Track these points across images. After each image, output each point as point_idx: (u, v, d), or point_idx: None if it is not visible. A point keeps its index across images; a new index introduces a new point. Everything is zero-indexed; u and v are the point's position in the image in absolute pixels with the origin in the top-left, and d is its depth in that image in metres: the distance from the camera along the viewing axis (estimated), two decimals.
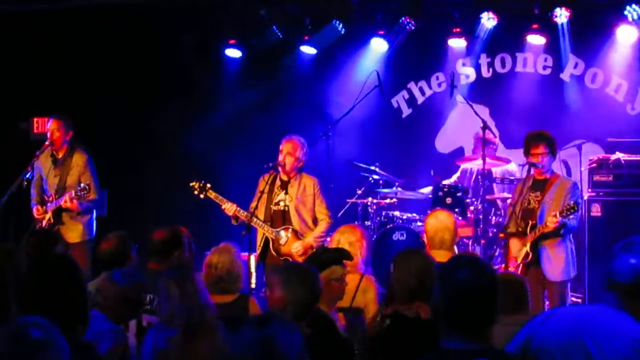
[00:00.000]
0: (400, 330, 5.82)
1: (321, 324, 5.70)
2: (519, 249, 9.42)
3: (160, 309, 5.77)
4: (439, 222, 8.04)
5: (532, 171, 9.52)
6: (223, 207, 10.30)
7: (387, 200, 11.88)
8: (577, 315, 4.66)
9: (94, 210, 11.07)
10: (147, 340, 5.68)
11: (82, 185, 10.50)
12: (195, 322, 5.43)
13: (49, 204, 10.82)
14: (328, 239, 10.14)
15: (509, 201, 10.65)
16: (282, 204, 10.32)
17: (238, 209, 10.20)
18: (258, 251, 10.30)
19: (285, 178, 10.33)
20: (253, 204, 10.16)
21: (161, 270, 6.77)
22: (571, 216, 9.09)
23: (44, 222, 10.80)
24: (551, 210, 9.17)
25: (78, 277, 4.48)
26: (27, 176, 10.66)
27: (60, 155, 10.96)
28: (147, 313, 6.85)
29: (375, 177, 11.81)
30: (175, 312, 5.58)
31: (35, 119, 14.15)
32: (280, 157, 10.22)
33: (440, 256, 7.62)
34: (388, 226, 11.57)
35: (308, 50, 13.25)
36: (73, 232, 10.65)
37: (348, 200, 11.91)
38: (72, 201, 10.55)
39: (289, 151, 10.22)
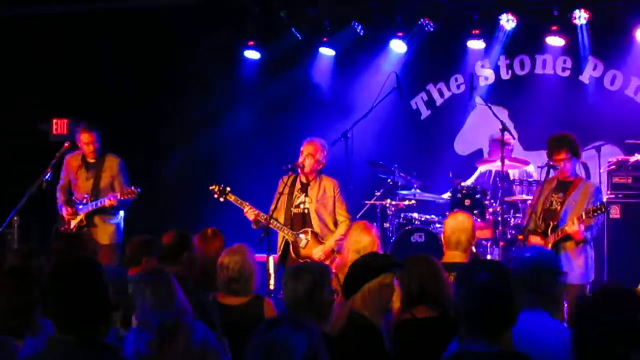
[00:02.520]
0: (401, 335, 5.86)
1: (366, 331, 5.65)
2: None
3: (137, 312, 5.75)
4: (457, 223, 8.05)
5: (552, 173, 9.54)
6: (244, 210, 10.33)
7: (406, 202, 11.85)
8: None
9: (123, 214, 11.21)
10: (128, 343, 5.71)
11: (132, 188, 10.70)
12: (168, 327, 5.44)
13: (81, 207, 10.95)
14: None
15: (528, 202, 10.66)
16: (302, 206, 10.35)
17: (258, 212, 10.22)
18: (278, 253, 10.34)
19: (305, 180, 10.36)
20: (273, 206, 10.19)
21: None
22: (592, 221, 9.11)
23: (73, 223, 10.93)
24: (574, 213, 9.20)
25: (102, 279, 4.50)
26: (47, 177, 10.68)
27: (92, 159, 11.10)
28: None
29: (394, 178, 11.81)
30: (150, 317, 5.59)
31: (54, 120, 14.19)
32: (301, 159, 10.25)
33: (456, 257, 7.70)
34: (407, 228, 11.56)
35: (327, 51, 13.27)
36: (104, 235, 10.86)
37: (367, 201, 11.90)
38: (112, 201, 10.79)
39: (310, 153, 10.25)
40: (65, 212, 11.01)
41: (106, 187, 10.96)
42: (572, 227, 9.09)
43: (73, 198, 11.10)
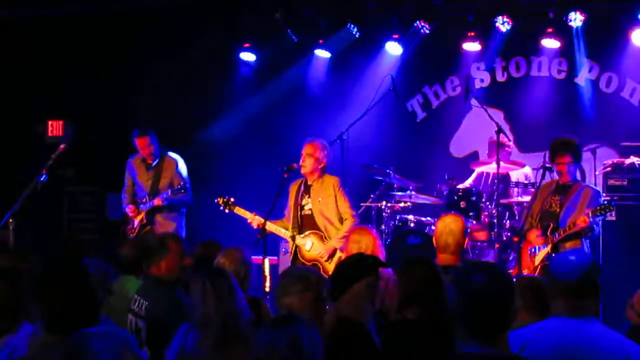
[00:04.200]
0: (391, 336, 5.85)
1: (355, 334, 5.65)
2: (536, 240, 9.43)
3: (193, 311, 5.70)
4: (444, 225, 8.06)
5: (548, 175, 9.56)
6: (249, 221, 10.37)
7: (402, 204, 11.86)
8: (571, 329, 4.68)
9: (185, 212, 11.55)
10: (176, 339, 5.68)
11: (181, 184, 11.00)
12: (229, 329, 5.39)
13: (142, 205, 11.38)
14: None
15: (524, 204, 10.67)
16: (307, 207, 10.41)
17: (263, 220, 10.21)
18: (291, 257, 10.38)
19: (309, 182, 10.41)
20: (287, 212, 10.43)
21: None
22: (598, 218, 9.14)
23: (136, 222, 11.40)
24: (574, 216, 9.22)
25: (88, 279, 4.51)
26: (42, 179, 10.67)
27: (151, 161, 11.48)
28: (133, 315, 6.87)
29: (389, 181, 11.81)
30: (210, 317, 5.53)
31: (50, 122, 14.20)
32: (301, 160, 10.29)
33: (446, 260, 7.71)
34: (402, 230, 11.56)
35: (323, 54, 13.27)
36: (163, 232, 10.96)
37: (362, 204, 11.89)
38: (159, 200, 11.19)
39: (309, 153, 10.31)
40: (129, 210, 11.46)
41: (165, 187, 11.32)
42: (584, 220, 9.08)
43: (137, 198, 11.55)
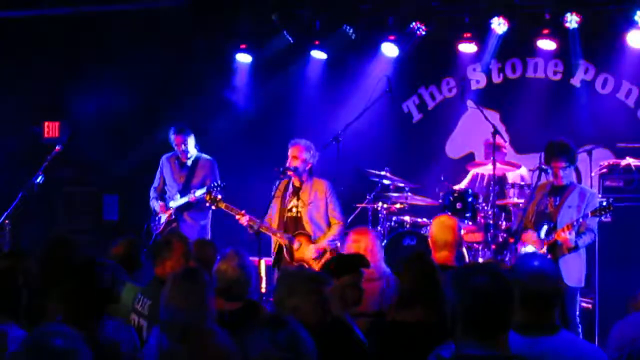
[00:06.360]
0: (395, 336, 5.85)
1: (337, 328, 5.67)
2: (531, 239, 9.43)
3: (161, 310, 5.71)
4: (439, 225, 8.15)
5: (544, 176, 9.56)
6: (237, 217, 10.32)
7: (397, 206, 11.86)
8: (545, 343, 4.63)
9: (210, 215, 11.60)
10: (152, 339, 5.68)
11: (218, 182, 11.10)
12: (181, 328, 5.38)
13: (171, 203, 11.47)
14: (338, 243, 10.15)
15: (520, 205, 10.66)
16: (294, 210, 10.35)
17: (250, 218, 10.19)
18: (273, 257, 10.33)
19: (297, 184, 10.36)
20: (268, 212, 10.24)
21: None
22: (597, 219, 9.14)
23: (164, 218, 11.50)
24: (574, 217, 9.21)
25: (99, 276, 4.54)
26: (38, 180, 10.68)
27: (184, 159, 11.63)
28: (136, 314, 6.87)
29: (386, 182, 11.80)
30: (172, 316, 5.54)
31: (46, 123, 14.18)
32: (288, 162, 10.27)
33: (440, 258, 7.81)
34: (398, 231, 11.56)
35: (318, 55, 13.26)
36: (189, 232, 10.93)
37: (358, 205, 11.89)
38: (192, 197, 11.27)
39: (294, 155, 10.27)
40: (158, 206, 11.57)
41: (197, 186, 11.38)
42: (562, 235, 9.09)
43: (165, 196, 11.62)
